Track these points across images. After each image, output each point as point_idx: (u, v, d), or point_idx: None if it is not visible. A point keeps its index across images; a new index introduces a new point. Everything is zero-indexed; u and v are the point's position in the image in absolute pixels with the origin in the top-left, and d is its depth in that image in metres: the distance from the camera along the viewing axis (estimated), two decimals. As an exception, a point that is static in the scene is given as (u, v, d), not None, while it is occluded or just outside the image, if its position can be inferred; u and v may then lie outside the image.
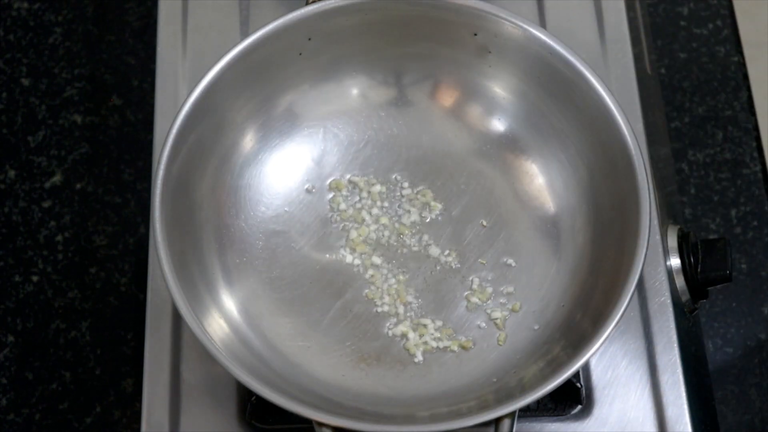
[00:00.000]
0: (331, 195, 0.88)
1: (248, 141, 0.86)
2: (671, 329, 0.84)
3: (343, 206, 0.87)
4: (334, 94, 0.89)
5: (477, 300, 0.84)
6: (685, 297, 0.86)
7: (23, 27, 1.03)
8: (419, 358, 0.82)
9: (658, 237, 0.86)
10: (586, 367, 0.83)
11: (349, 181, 0.88)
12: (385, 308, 0.84)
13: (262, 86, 0.85)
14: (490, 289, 0.84)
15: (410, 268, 0.85)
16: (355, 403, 0.78)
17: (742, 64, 1.02)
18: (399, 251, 0.86)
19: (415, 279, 0.85)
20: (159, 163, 0.78)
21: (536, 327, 0.82)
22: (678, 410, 0.81)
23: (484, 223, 0.87)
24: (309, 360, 0.81)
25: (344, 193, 0.88)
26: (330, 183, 0.88)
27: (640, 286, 0.84)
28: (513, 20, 0.82)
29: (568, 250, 0.85)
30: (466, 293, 0.84)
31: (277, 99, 0.87)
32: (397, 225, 0.87)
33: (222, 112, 0.83)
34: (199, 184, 0.83)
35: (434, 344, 0.82)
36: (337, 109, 0.89)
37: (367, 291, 0.84)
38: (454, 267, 0.85)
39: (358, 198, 0.87)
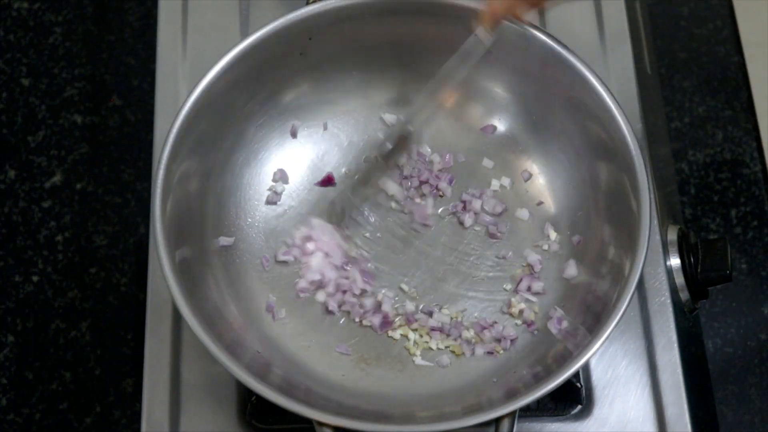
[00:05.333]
0: (331, 195, 0.88)
1: (248, 141, 0.86)
2: (671, 329, 0.84)
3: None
4: (334, 94, 0.89)
5: (477, 300, 0.84)
6: (685, 297, 0.85)
7: (23, 27, 1.03)
8: (419, 358, 0.82)
9: (658, 237, 0.86)
10: (586, 367, 0.83)
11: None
12: (386, 308, 0.83)
13: (263, 86, 0.85)
14: (490, 290, 0.84)
15: (410, 268, 0.85)
16: (355, 403, 0.78)
17: (742, 64, 1.02)
18: (399, 251, 0.86)
19: (416, 279, 0.85)
20: (159, 163, 0.78)
21: (536, 327, 0.82)
22: (678, 410, 0.81)
23: (485, 222, 0.87)
24: (309, 360, 0.81)
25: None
26: (330, 183, 0.88)
27: (640, 286, 0.84)
28: (513, 20, 0.82)
29: (568, 250, 0.85)
30: (466, 293, 0.84)
31: (278, 98, 0.87)
32: (397, 225, 0.87)
33: (222, 112, 0.83)
34: (199, 184, 0.83)
35: (434, 344, 0.82)
36: (337, 109, 0.89)
37: (367, 291, 0.84)
38: (454, 267, 0.85)
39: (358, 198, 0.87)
